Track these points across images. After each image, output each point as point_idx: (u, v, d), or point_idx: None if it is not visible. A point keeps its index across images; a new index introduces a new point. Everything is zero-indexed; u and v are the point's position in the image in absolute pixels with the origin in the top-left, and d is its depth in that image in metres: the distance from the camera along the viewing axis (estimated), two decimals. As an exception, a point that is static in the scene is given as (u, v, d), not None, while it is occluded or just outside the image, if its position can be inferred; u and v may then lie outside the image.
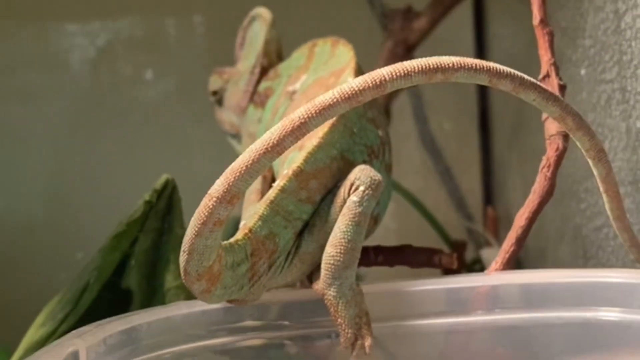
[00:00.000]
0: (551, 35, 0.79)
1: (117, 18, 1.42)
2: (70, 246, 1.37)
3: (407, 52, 1.24)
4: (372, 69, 1.03)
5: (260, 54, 0.93)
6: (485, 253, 1.27)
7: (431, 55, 1.21)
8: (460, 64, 0.57)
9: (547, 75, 0.78)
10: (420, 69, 0.56)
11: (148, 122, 1.44)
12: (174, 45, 1.46)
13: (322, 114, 0.56)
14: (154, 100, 1.45)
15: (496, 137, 1.48)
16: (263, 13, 0.94)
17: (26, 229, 1.36)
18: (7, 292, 1.33)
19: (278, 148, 0.56)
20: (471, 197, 1.50)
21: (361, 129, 0.74)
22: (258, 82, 0.93)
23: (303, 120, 0.56)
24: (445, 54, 1.30)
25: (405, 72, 0.56)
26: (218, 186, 0.57)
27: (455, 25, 1.38)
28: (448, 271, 0.87)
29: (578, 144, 0.64)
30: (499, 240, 1.35)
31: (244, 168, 0.56)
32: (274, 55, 0.94)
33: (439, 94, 1.43)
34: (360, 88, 0.56)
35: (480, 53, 1.45)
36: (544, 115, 0.76)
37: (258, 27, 0.94)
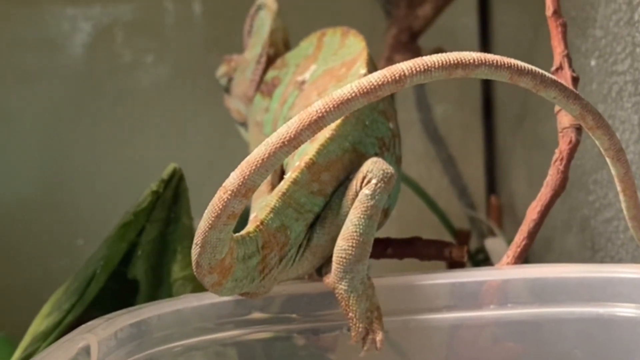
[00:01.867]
0: (564, 26, 0.79)
1: (117, 2, 1.42)
2: (70, 232, 1.38)
3: (412, 40, 1.25)
4: (376, 56, 1.04)
5: (267, 43, 0.94)
6: (489, 243, 1.28)
7: (436, 42, 1.21)
8: (482, 60, 0.57)
9: (560, 67, 0.78)
10: (440, 64, 0.56)
11: (147, 107, 1.45)
12: (173, 30, 1.46)
13: (339, 108, 0.56)
14: (154, 85, 1.45)
15: (500, 125, 1.49)
16: (268, 2, 0.94)
17: (25, 215, 1.37)
18: (7, 280, 1.33)
19: (294, 142, 0.56)
20: (474, 186, 1.51)
21: (373, 122, 0.74)
22: (265, 71, 0.93)
23: (320, 114, 0.56)
24: (450, 42, 1.30)
25: (426, 67, 0.55)
26: (233, 179, 0.56)
27: (460, 13, 1.40)
28: (453, 264, 0.87)
29: (597, 142, 0.64)
30: (503, 229, 1.36)
31: (260, 161, 0.56)
32: (280, 44, 0.94)
33: (442, 81, 1.43)
34: (379, 83, 0.55)
35: (485, 41, 1.46)
36: (557, 108, 0.77)
37: (264, 16, 0.95)
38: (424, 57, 0.56)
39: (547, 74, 0.59)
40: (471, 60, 0.56)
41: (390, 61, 1.20)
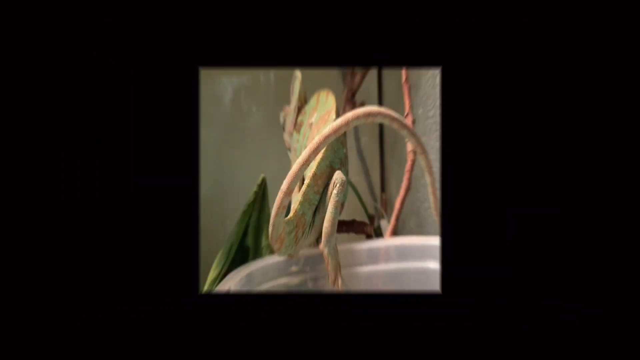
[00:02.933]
0: (410, 89, 0.81)
1: (242, 74, 1.47)
2: (223, 217, 1.39)
3: (352, 96, 1.30)
4: (340, 107, 1.08)
5: (297, 100, 0.92)
6: (382, 223, 1.29)
7: (359, 97, 1.21)
8: (378, 112, 0.58)
9: (408, 114, 0.80)
10: (363, 114, 0.57)
11: (258, 139, 1.47)
12: (264, 91, 1.48)
13: (325, 141, 0.57)
14: (257, 125, 1.48)
15: (386, 151, 1.50)
16: (298, 74, 0.94)
17: (204, 208, 1.24)
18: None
19: (308, 161, 0.57)
20: (377, 188, 1.50)
21: (338, 149, 0.74)
22: (297, 116, 0.93)
23: (317, 145, 0.57)
24: (366, 98, 1.29)
25: (357, 115, 0.57)
26: (284, 185, 0.58)
27: (370, 80, 1.47)
28: (369, 236, 0.89)
29: (421, 162, 0.65)
30: (387, 215, 1.41)
31: (294, 174, 0.58)
32: (303, 101, 0.94)
33: (365, 125, 1.38)
34: (340, 125, 0.57)
35: (380, 96, 1.50)
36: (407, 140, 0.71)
37: (297, 83, 0.94)
38: (357, 110, 0.57)
39: (403, 119, 0.59)
40: (375, 112, 0.58)
41: (344, 110, 1.22)
